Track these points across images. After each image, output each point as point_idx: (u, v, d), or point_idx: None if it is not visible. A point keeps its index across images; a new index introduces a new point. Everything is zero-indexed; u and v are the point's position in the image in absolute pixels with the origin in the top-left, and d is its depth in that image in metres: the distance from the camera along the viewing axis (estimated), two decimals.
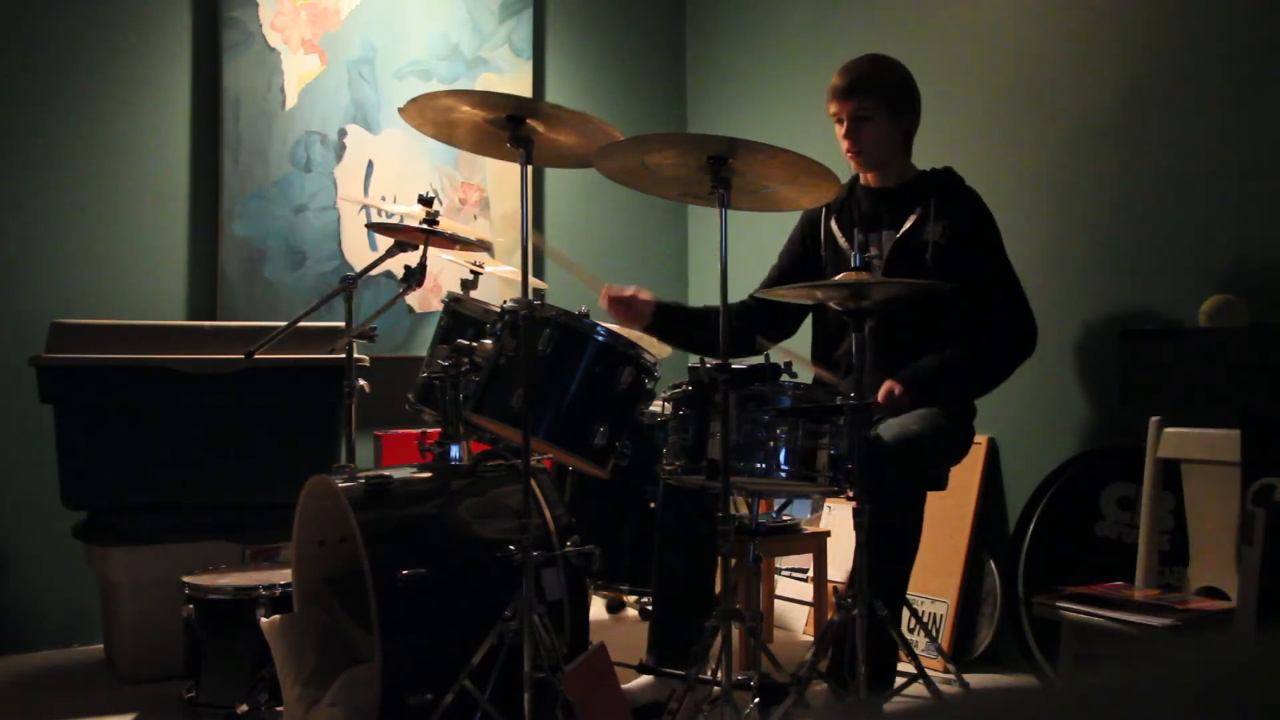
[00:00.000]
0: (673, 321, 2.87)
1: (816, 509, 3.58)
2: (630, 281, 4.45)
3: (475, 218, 4.14)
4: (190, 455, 3.13)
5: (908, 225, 2.73)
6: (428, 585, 2.25)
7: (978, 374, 2.68)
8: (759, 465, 2.27)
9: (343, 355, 2.85)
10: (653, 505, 2.81)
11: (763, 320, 2.89)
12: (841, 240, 2.83)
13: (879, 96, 2.73)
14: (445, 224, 2.79)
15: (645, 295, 2.84)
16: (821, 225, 2.90)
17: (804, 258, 2.94)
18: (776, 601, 3.60)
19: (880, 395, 2.51)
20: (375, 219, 3.69)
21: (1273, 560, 2.02)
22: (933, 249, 2.69)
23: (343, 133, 3.90)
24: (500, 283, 4.08)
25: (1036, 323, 2.68)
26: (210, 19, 3.71)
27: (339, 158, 3.89)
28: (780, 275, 2.97)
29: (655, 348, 2.99)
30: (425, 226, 2.75)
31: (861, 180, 2.89)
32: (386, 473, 2.42)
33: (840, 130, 2.78)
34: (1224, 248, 2.75)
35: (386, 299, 3.09)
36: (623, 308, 2.82)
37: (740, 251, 2.93)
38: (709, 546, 2.43)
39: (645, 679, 2.67)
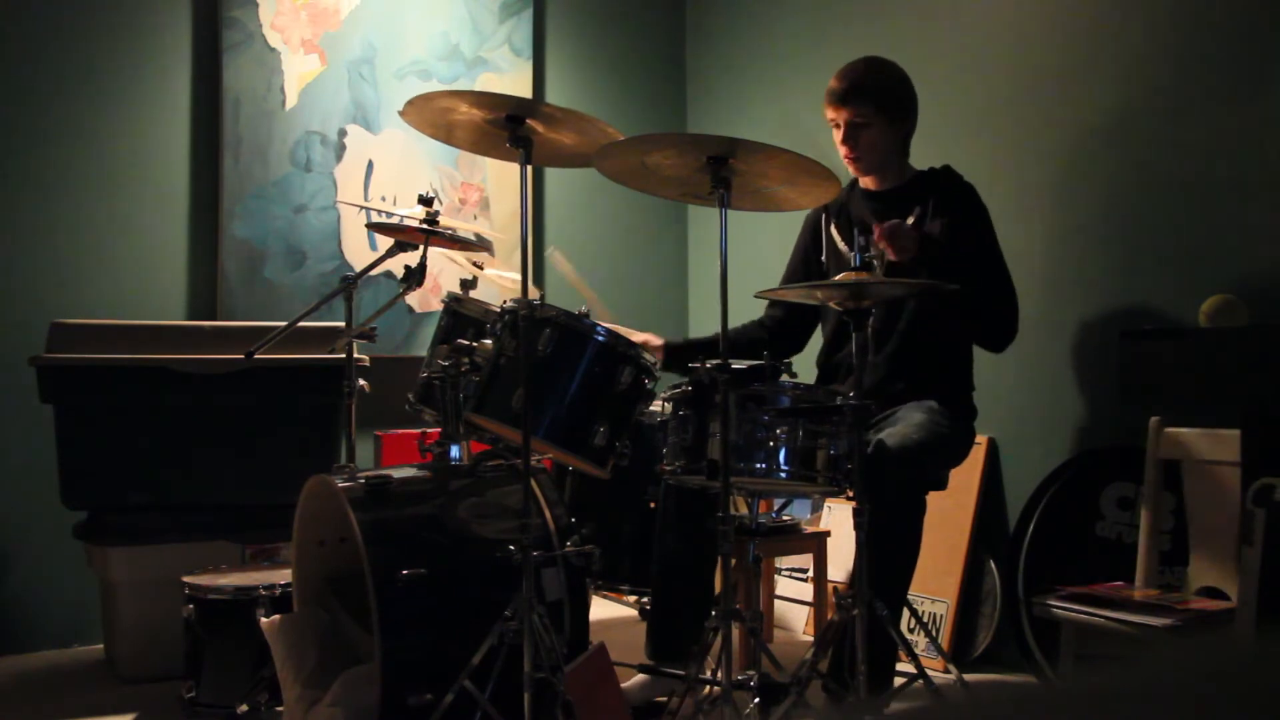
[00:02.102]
0: (685, 357, 2.84)
1: (816, 509, 3.59)
2: (630, 282, 4.47)
3: (475, 218, 4.14)
4: (190, 455, 3.13)
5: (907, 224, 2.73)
6: (428, 585, 2.25)
7: (969, 305, 2.62)
8: (759, 465, 2.27)
9: (343, 355, 2.85)
10: (653, 505, 2.81)
11: (772, 343, 2.90)
12: (840, 243, 2.84)
13: (876, 103, 2.71)
14: (445, 223, 2.79)
15: (655, 341, 2.83)
16: (822, 229, 2.90)
17: (807, 265, 2.95)
18: (776, 601, 3.60)
19: (886, 225, 2.49)
20: (375, 219, 3.69)
21: (1273, 560, 2.02)
22: None
23: (343, 133, 3.90)
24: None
25: (1018, 323, 2.68)
26: (210, 19, 3.71)
27: (339, 158, 3.89)
28: (789, 306, 2.98)
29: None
30: (425, 226, 2.75)
31: (860, 183, 2.89)
32: (386, 473, 2.42)
33: (837, 136, 2.77)
34: (1224, 248, 2.75)
35: (386, 299, 3.09)
36: None
37: (740, 251, 2.93)
38: (709, 531, 2.43)
39: (645, 678, 2.67)
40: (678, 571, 2.71)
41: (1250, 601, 2.06)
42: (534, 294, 2.37)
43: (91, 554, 3.10)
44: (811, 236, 2.96)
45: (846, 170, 2.85)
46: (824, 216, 2.90)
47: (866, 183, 2.87)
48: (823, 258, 2.90)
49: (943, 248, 2.57)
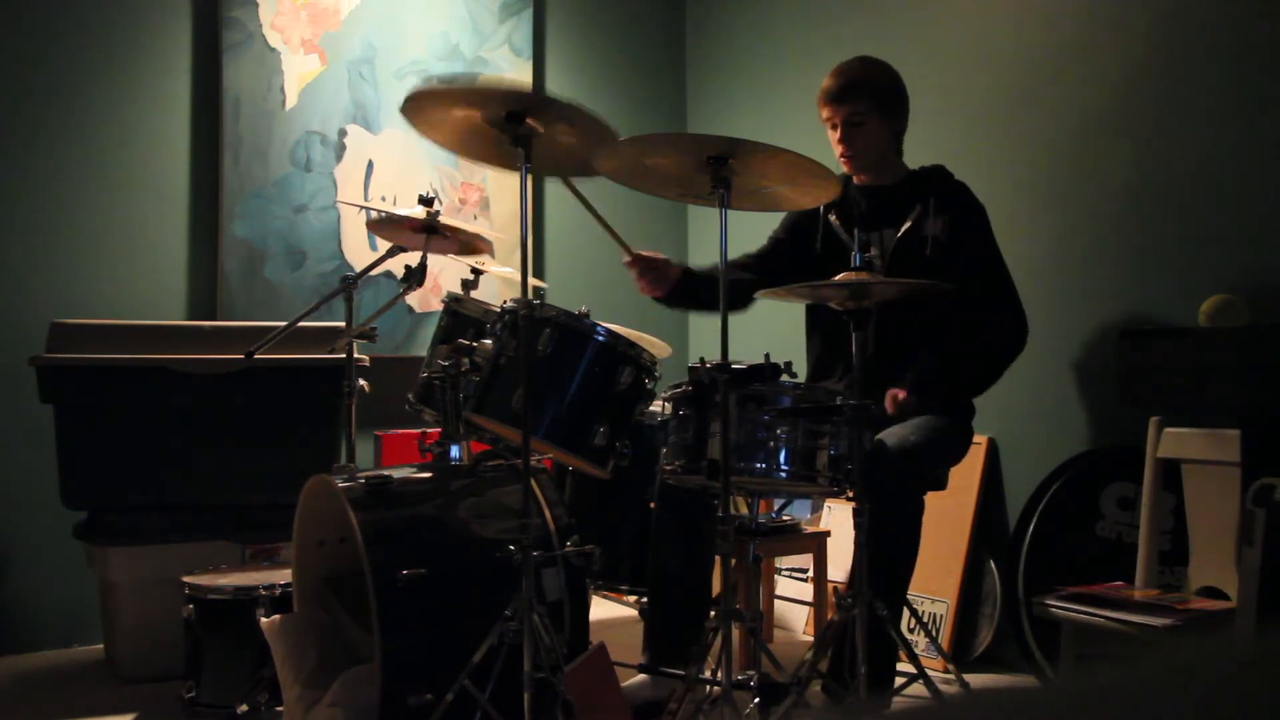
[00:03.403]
0: (694, 287, 2.83)
1: (816, 509, 3.58)
2: (630, 282, 4.45)
3: (475, 218, 4.14)
4: (190, 455, 3.13)
5: (909, 223, 2.73)
6: (428, 585, 2.25)
7: (976, 371, 2.69)
8: (759, 465, 2.27)
9: (343, 355, 2.85)
10: (653, 505, 2.81)
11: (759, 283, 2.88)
12: (844, 235, 2.82)
13: (872, 100, 2.71)
14: (445, 223, 2.79)
15: (670, 264, 2.80)
16: (820, 219, 2.87)
17: (798, 242, 2.90)
18: (776, 601, 3.60)
19: (887, 405, 2.51)
20: (375, 219, 3.69)
21: (1273, 560, 2.02)
22: (933, 244, 2.69)
23: (343, 133, 3.90)
24: (500, 283, 4.08)
25: (1027, 319, 2.69)
26: (210, 19, 3.71)
27: (339, 158, 3.89)
28: (774, 246, 2.94)
29: (655, 347, 2.99)
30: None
31: (855, 179, 2.88)
32: (386, 473, 2.42)
33: (834, 135, 2.77)
34: (1224, 248, 2.75)
35: (386, 299, 3.09)
36: (648, 272, 2.78)
37: (740, 251, 2.93)
38: (706, 542, 2.42)
39: (645, 678, 2.67)
40: (674, 580, 2.70)
41: (1250, 601, 2.06)
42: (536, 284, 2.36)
43: (91, 554, 3.10)
44: (805, 222, 2.90)
45: (837, 167, 2.84)
46: (822, 208, 2.88)
47: (862, 179, 2.87)
48: (816, 246, 2.86)
49: (934, 375, 2.59)
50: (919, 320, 2.67)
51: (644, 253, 2.80)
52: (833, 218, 2.85)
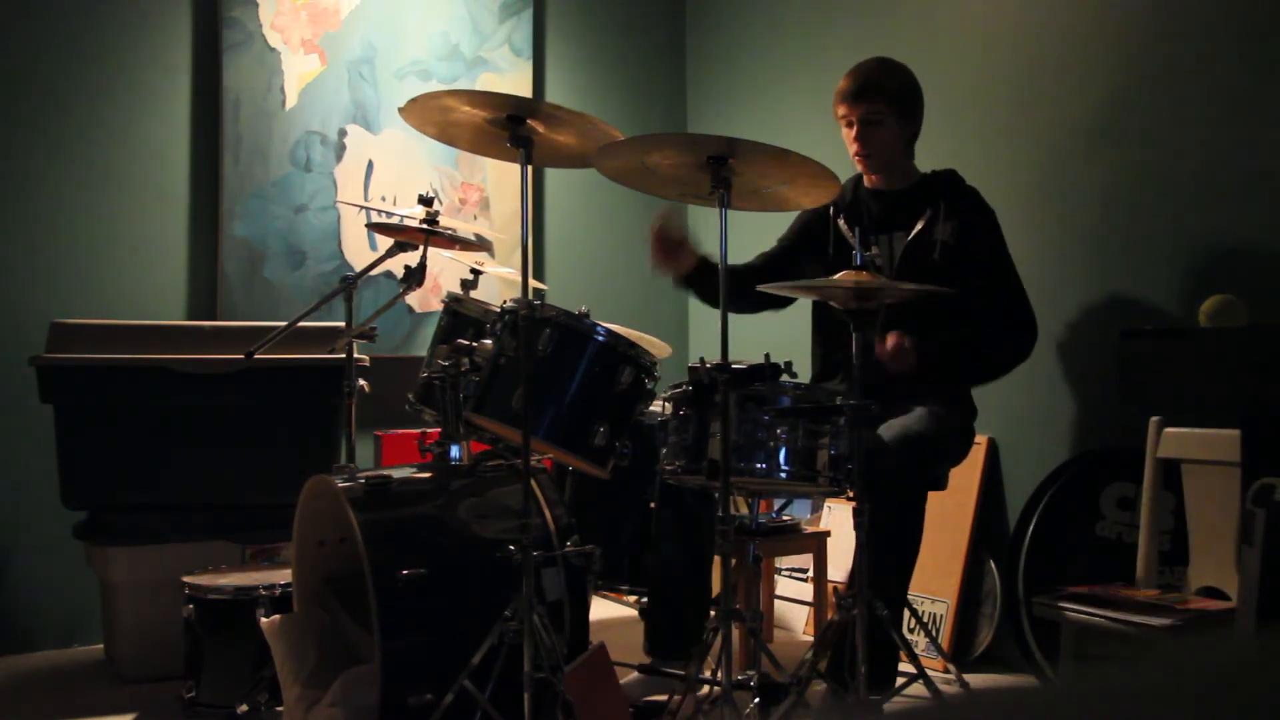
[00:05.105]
0: (711, 280, 2.81)
1: (816, 509, 3.58)
2: (630, 282, 4.46)
3: (475, 218, 4.14)
4: (190, 455, 3.13)
5: (919, 227, 2.73)
6: (428, 585, 2.25)
7: (980, 355, 2.68)
8: (759, 465, 2.27)
9: (343, 355, 2.85)
10: (653, 505, 2.81)
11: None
12: (851, 239, 2.82)
13: (889, 100, 2.72)
14: (445, 223, 2.79)
15: (692, 249, 2.75)
16: (830, 223, 2.87)
17: (808, 244, 2.90)
18: (776, 601, 3.60)
19: (889, 343, 2.48)
20: (375, 219, 3.69)
21: (1273, 560, 2.02)
22: (941, 249, 2.69)
23: (343, 133, 3.90)
24: (500, 283, 4.08)
25: (1037, 326, 2.70)
26: (210, 19, 3.71)
27: (339, 158, 3.89)
28: (781, 251, 2.95)
29: (655, 347, 2.99)
30: (425, 226, 2.75)
31: (866, 182, 2.88)
32: (386, 473, 2.42)
33: (849, 134, 2.77)
34: (1224, 248, 2.75)
35: (386, 299, 3.09)
36: (665, 250, 2.73)
37: (740, 251, 2.93)
38: (707, 533, 2.42)
39: (644, 678, 2.67)
40: (676, 575, 2.71)
41: (1250, 601, 2.06)
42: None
43: (91, 554, 3.10)
44: (816, 225, 2.91)
45: (847, 169, 2.84)
46: (831, 210, 2.88)
47: (873, 181, 2.86)
48: (829, 250, 2.87)
49: (942, 355, 2.58)
50: (925, 326, 2.67)
51: (667, 226, 2.71)
52: (841, 221, 2.85)
